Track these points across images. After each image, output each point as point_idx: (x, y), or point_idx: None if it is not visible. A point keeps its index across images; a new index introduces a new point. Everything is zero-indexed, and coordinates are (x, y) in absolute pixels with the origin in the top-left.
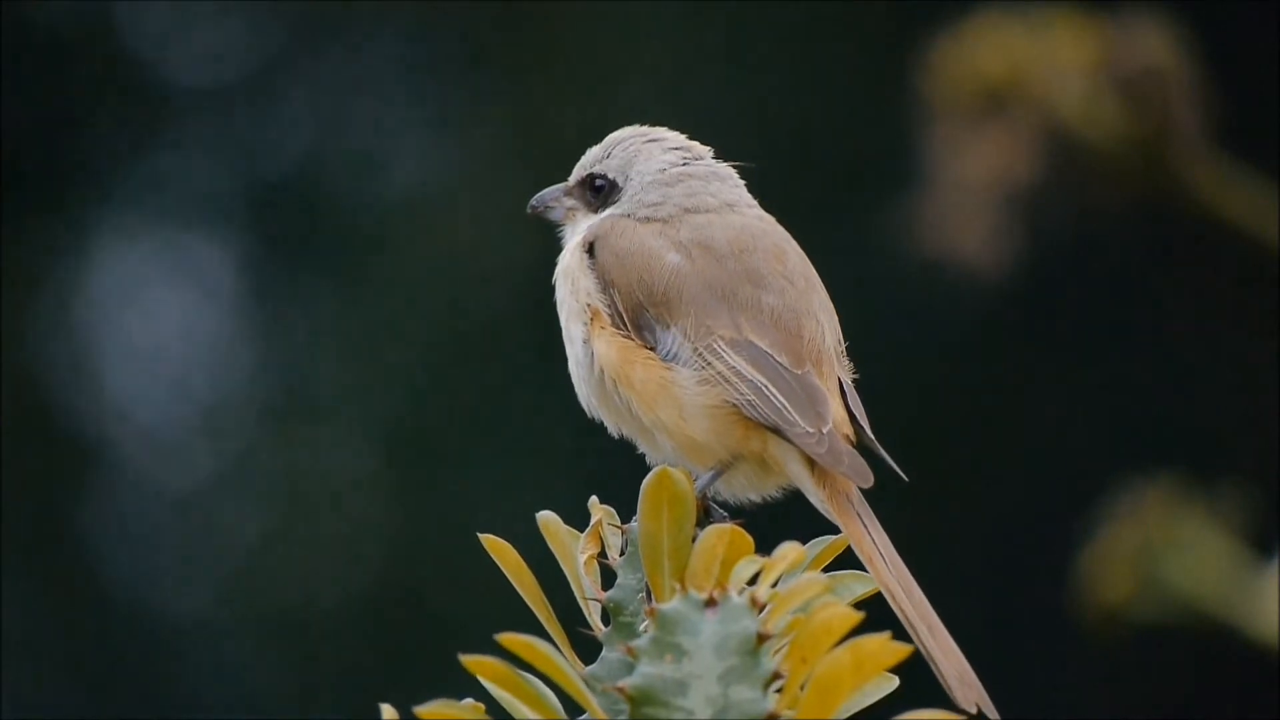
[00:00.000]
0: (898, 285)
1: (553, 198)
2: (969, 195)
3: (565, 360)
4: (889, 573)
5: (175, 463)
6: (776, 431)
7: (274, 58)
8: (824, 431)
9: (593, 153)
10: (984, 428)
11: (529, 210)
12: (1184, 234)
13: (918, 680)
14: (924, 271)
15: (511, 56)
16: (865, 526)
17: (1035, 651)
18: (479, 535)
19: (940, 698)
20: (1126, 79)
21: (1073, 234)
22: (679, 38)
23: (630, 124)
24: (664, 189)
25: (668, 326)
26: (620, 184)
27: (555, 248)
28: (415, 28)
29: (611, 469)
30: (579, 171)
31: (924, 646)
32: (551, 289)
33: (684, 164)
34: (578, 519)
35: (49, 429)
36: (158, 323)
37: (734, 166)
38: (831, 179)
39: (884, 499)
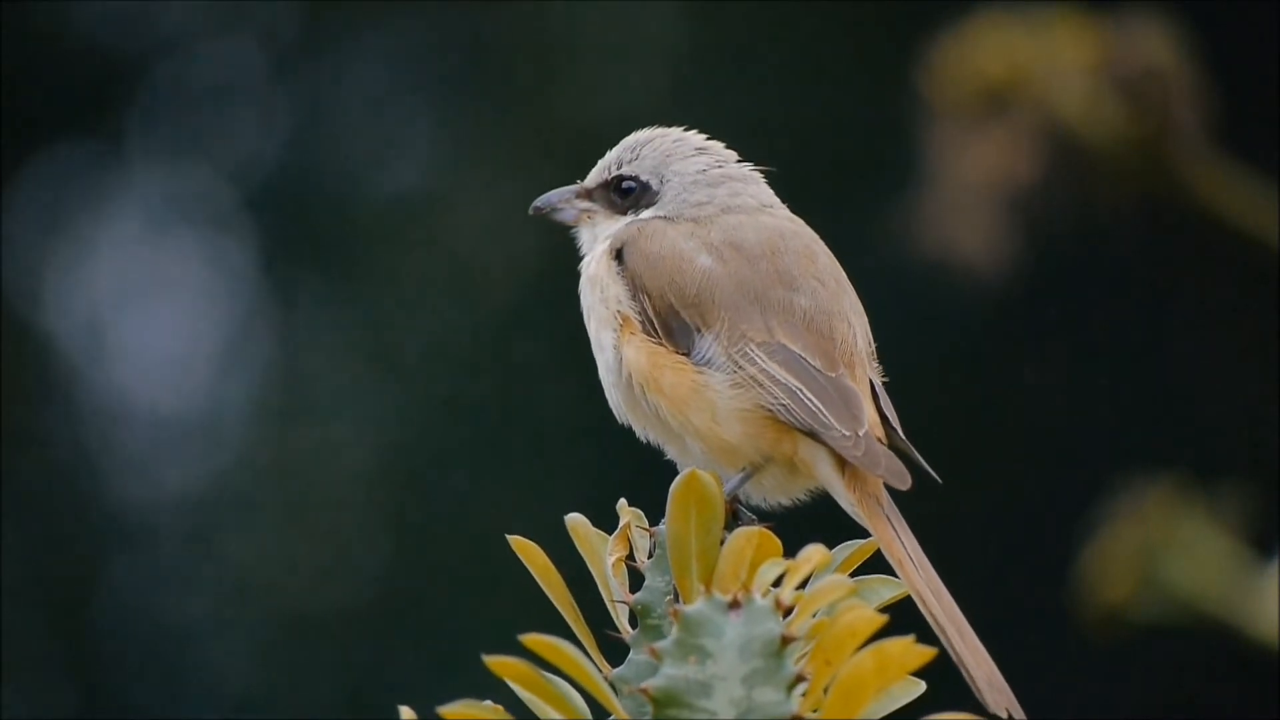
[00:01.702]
0: (898, 285)
1: (562, 199)
2: (969, 195)
3: (576, 359)
4: (919, 576)
5: (176, 465)
6: (812, 435)
7: (275, 58)
8: (860, 434)
9: (615, 154)
10: (983, 427)
11: (532, 211)
12: (1184, 234)
13: (944, 684)
14: (924, 271)
15: (514, 57)
16: (895, 530)
17: (1036, 651)
18: (507, 537)
19: (965, 701)
20: (1126, 79)
21: (1073, 234)
22: (680, 38)
23: (630, 124)
24: (708, 189)
25: (700, 330)
26: (654, 186)
27: (559, 248)
28: (418, 28)
29: (614, 470)
30: (602, 173)
31: (954, 650)
32: (556, 290)
33: (719, 165)
34: (598, 521)
35: (48, 431)
36: (158, 325)
37: (758, 170)
38: (832, 179)
39: (897, 499)
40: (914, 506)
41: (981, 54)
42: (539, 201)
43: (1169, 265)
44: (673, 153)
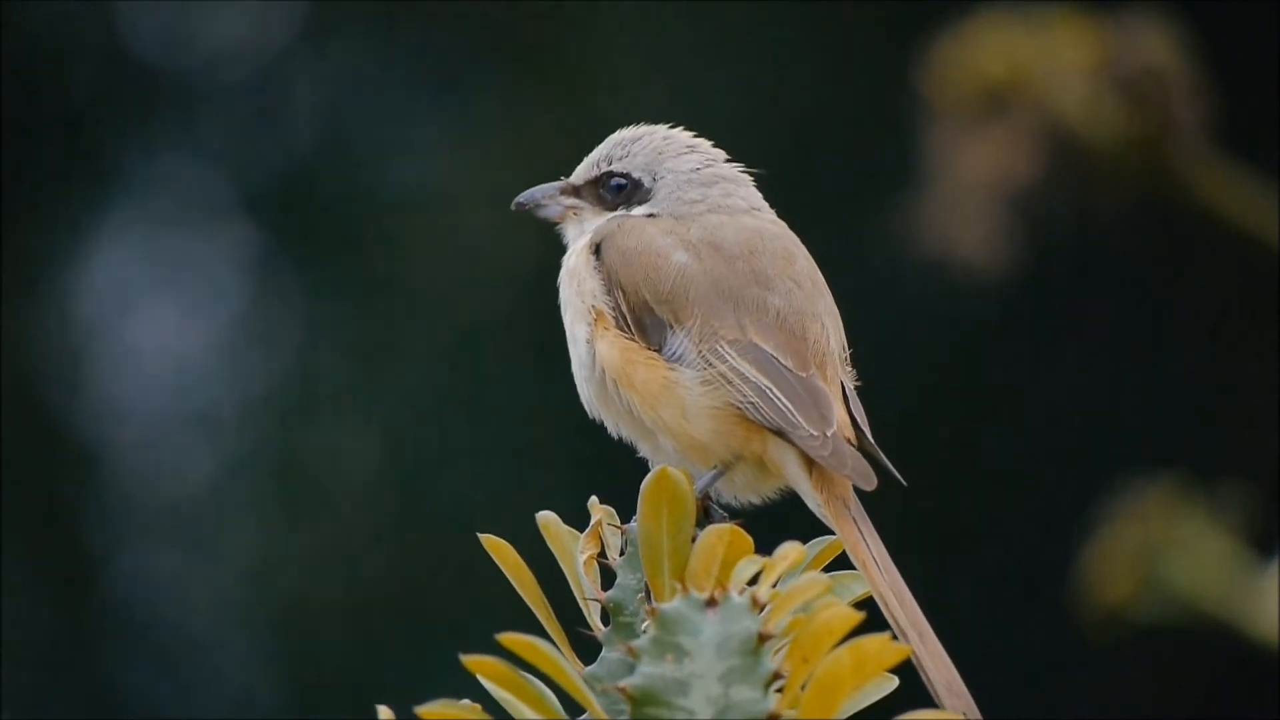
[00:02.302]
0: (898, 285)
1: (546, 195)
2: (969, 195)
3: (566, 360)
4: (883, 579)
5: (176, 464)
6: (780, 434)
7: (277, 57)
8: (828, 434)
9: (604, 151)
10: (984, 427)
11: (514, 206)
12: (1184, 234)
13: (916, 680)
14: (924, 271)
15: (514, 57)
16: (861, 532)
17: (1035, 651)
18: (479, 535)
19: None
20: (1127, 79)
21: (1073, 234)
22: (680, 39)
23: (629, 123)
24: (701, 188)
25: (673, 327)
26: (646, 183)
27: (557, 248)
28: (419, 28)
29: (611, 469)
30: (590, 170)
31: (915, 655)
32: (555, 289)
33: (710, 164)
34: (577, 519)
35: (49, 430)
36: (159, 324)
37: (746, 173)
38: (832, 179)
39: (884, 497)
40: (911, 507)
41: (981, 54)
42: (522, 197)
43: (1169, 265)
44: (664, 150)
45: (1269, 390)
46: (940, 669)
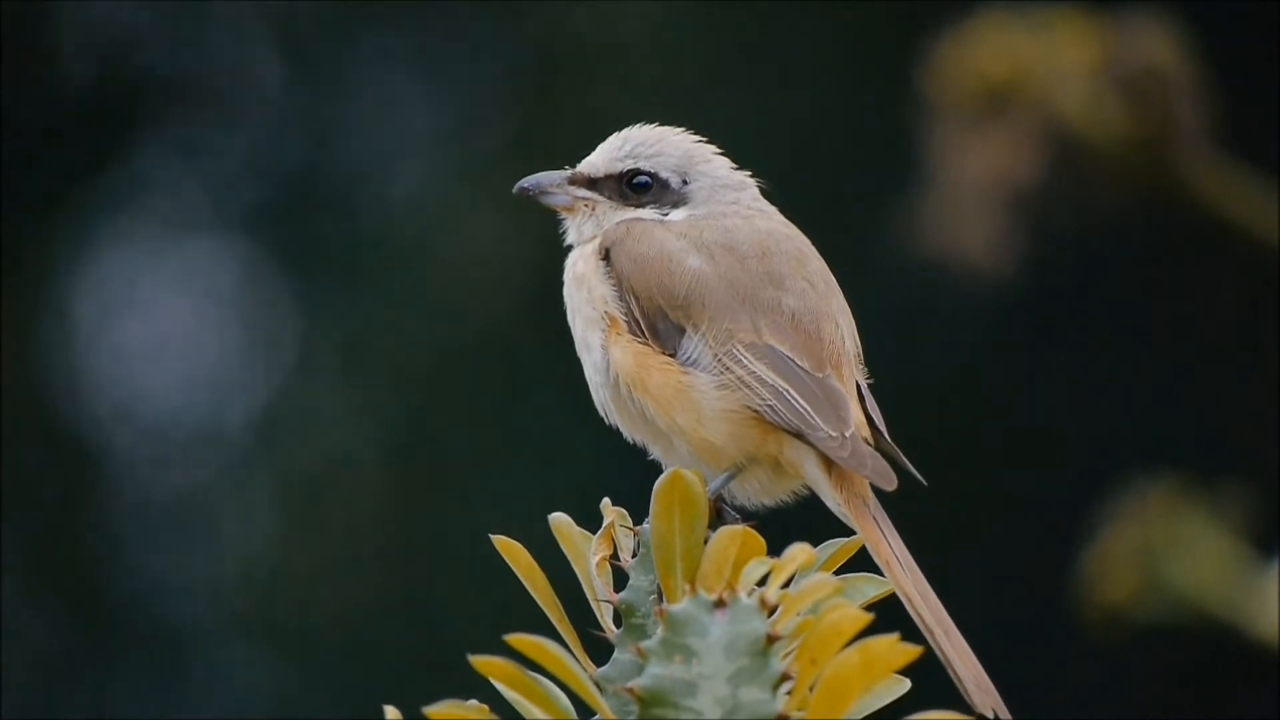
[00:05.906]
0: (899, 286)
1: (552, 183)
2: (971, 195)
3: (568, 362)
4: (906, 577)
5: (176, 468)
6: (799, 435)
7: (276, 60)
8: (846, 435)
9: (626, 147)
10: (985, 427)
11: (516, 190)
12: (1185, 233)
13: (928, 682)
14: (926, 272)
15: (515, 59)
16: (882, 531)
17: (1036, 651)
18: (491, 537)
19: (950, 700)
20: (1128, 79)
21: (1074, 234)
22: (681, 40)
23: (634, 126)
24: (735, 193)
25: (687, 331)
26: (674, 184)
27: (558, 249)
28: (419, 31)
29: (617, 471)
30: (613, 164)
31: (941, 651)
32: (556, 292)
33: (735, 168)
34: (582, 521)
35: (49, 434)
36: (159, 328)
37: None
38: (833, 180)
39: (888, 497)
40: (915, 507)
41: (983, 54)
42: (526, 182)
43: (1170, 265)
44: (694, 154)
45: (1269, 390)
46: (968, 665)
